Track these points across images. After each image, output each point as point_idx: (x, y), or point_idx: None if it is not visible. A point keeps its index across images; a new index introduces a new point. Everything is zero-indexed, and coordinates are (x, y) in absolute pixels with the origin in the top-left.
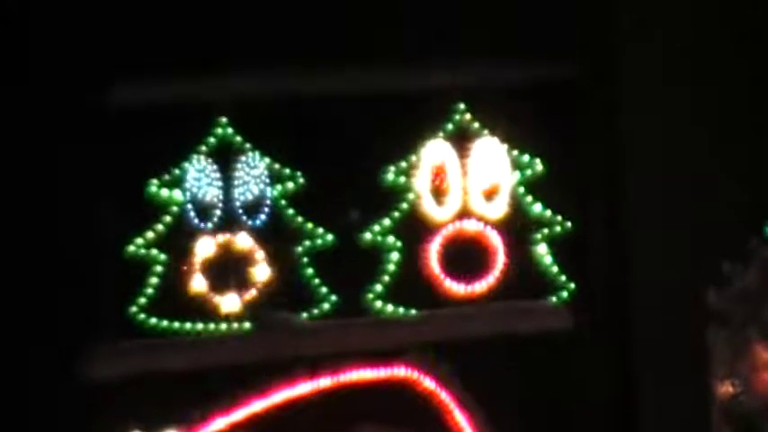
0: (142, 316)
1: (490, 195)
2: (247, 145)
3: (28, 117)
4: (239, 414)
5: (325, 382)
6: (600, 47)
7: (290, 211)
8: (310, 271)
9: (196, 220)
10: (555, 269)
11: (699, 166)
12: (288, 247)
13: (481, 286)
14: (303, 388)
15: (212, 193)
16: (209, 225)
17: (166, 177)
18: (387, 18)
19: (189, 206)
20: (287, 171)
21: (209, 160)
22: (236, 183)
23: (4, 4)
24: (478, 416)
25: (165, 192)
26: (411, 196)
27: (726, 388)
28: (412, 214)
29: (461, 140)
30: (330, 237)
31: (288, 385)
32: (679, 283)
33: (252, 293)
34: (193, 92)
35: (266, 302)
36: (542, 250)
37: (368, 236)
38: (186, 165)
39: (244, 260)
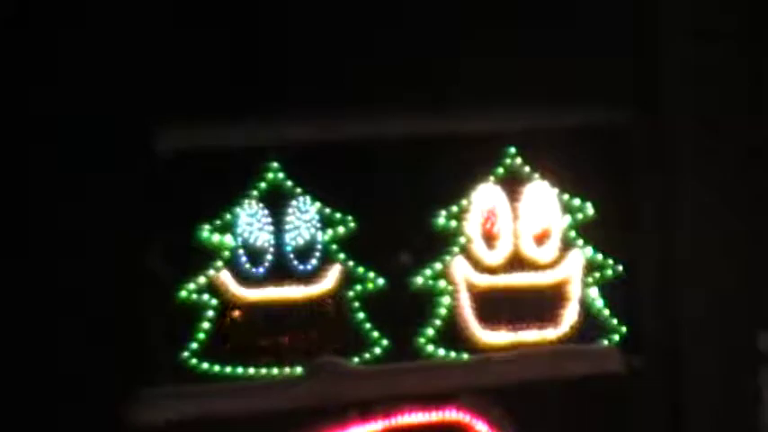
0: (194, 361)
1: (541, 239)
2: (298, 189)
3: (79, 163)
4: None
5: (376, 426)
6: (651, 91)
7: (342, 256)
8: (361, 315)
9: (247, 265)
10: (606, 312)
11: (751, 209)
12: (339, 291)
13: (533, 330)
14: None
15: (263, 237)
16: (261, 270)
17: (218, 222)
18: (437, 63)
19: (240, 251)
20: (338, 215)
21: (261, 205)
22: (287, 227)
23: (56, 45)
24: None
25: (216, 237)
26: (462, 240)
27: None
28: (463, 258)
29: (512, 184)
30: (381, 281)
31: (340, 429)
32: (730, 326)
33: (303, 338)
34: (244, 136)
35: (318, 347)
36: (594, 293)
37: (419, 280)
38: (237, 210)
39: (295, 305)
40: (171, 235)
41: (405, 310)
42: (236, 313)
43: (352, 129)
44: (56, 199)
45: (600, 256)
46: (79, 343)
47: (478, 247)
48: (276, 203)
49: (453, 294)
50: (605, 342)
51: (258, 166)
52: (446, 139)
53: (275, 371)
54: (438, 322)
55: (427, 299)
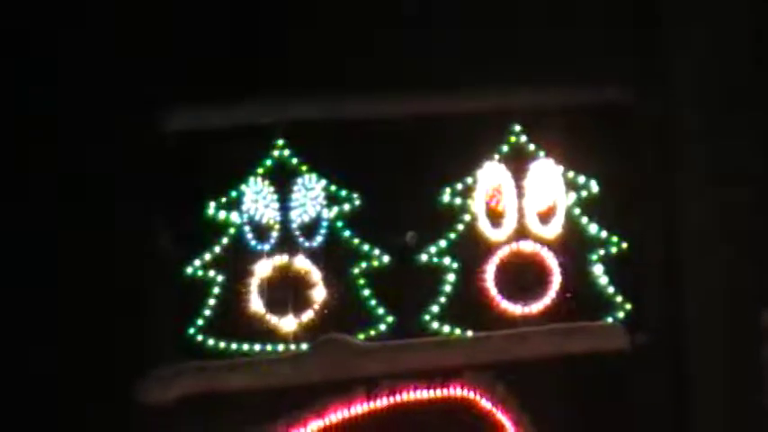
0: (200, 337)
1: (546, 216)
2: (304, 167)
3: (87, 141)
4: None
5: (381, 402)
6: (652, 69)
7: (347, 233)
8: (367, 292)
9: (253, 242)
10: (611, 289)
11: (753, 186)
12: (344, 268)
13: (537, 307)
14: (360, 408)
15: (269, 214)
16: (267, 247)
17: (224, 200)
18: (442, 42)
19: (246, 228)
20: (343, 193)
21: (267, 182)
22: (292, 204)
23: (65, 30)
24: None
25: (222, 214)
26: (467, 217)
27: None
28: (468, 235)
29: (517, 162)
30: (386, 258)
31: (345, 405)
32: (734, 304)
33: (309, 314)
34: (250, 114)
35: (323, 323)
36: (598, 271)
37: (424, 257)
38: (243, 187)
39: (301, 281)
40: (177, 212)
41: (410, 287)
42: (242, 290)
43: (358, 106)
44: (62, 181)
45: (604, 233)
46: (86, 322)
47: (483, 225)
48: (282, 181)
49: (459, 271)
50: (610, 319)
51: (264, 144)
52: (451, 116)
53: (281, 347)
54: (443, 299)
55: (432, 276)
